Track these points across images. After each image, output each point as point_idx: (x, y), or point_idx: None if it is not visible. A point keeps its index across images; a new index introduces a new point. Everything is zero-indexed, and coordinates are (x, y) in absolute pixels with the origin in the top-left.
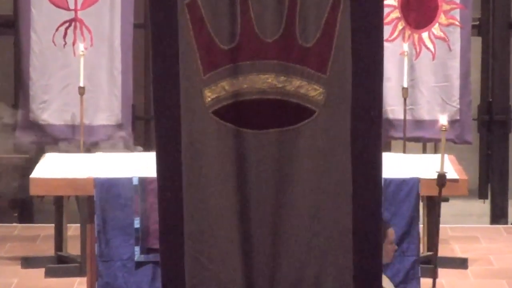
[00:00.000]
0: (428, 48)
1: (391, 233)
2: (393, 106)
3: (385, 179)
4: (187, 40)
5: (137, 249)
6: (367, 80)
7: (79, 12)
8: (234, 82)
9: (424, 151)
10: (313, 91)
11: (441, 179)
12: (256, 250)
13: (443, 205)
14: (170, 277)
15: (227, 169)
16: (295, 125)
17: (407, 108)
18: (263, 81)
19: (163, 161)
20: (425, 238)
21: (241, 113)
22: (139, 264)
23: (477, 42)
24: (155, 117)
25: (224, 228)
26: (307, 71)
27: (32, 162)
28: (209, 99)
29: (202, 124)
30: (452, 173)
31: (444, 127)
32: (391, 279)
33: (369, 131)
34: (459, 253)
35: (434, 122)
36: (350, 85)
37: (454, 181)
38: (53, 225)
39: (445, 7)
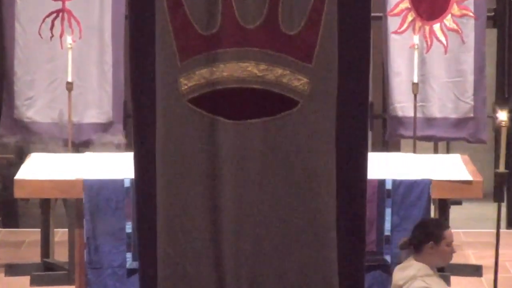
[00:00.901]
0: (440, 41)
1: (450, 234)
2: (402, 103)
3: (394, 181)
4: (163, 24)
5: (129, 255)
6: (354, 71)
7: (67, 2)
8: (213, 70)
9: (436, 150)
10: (297, 81)
11: (501, 178)
12: (231, 246)
13: (456, 208)
14: (146, 265)
15: (203, 160)
16: (277, 116)
17: (417, 105)
18: (243, 70)
19: (139, 151)
20: None
21: (220, 102)
22: (131, 272)
23: (492, 34)
24: (132, 104)
25: (197, 223)
26: (290, 60)
27: (16, 163)
28: (186, 86)
29: (177, 113)
30: (465, 174)
31: (504, 123)
32: None
33: (356, 124)
34: (473, 260)
35: (446, 119)
36: (336, 76)
37: (468, 182)
38: (39, 230)
39: None
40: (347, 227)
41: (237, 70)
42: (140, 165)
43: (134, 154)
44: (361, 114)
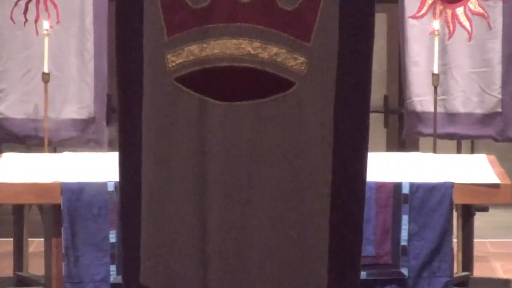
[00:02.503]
0: (463, 26)
1: None
2: (421, 97)
3: (412, 184)
4: None
5: (113, 268)
6: (356, 52)
7: None
8: (203, 47)
9: (459, 150)
10: (293, 61)
11: None
12: (218, 238)
13: (482, 215)
14: (129, 257)
15: (190, 143)
16: (270, 97)
17: (438, 98)
18: (235, 47)
19: (124, 133)
20: (460, 255)
21: (210, 81)
22: (115, 287)
23: None
24: (117, 81)
25: (182, 212)
26: (287, 37)
27: None
28: (173, 64)
29: (164, 92)
30: (492, 176)
31: None
32: None
33: (356, 109)
34: (500, 273)
35: (471, 115)
36: (336, 57)
37: (495, 186)
38: (12, 239)
39: None
40: (341, 222)
41: (229, 47)
42: (125, 149)
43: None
44: (361, 99)
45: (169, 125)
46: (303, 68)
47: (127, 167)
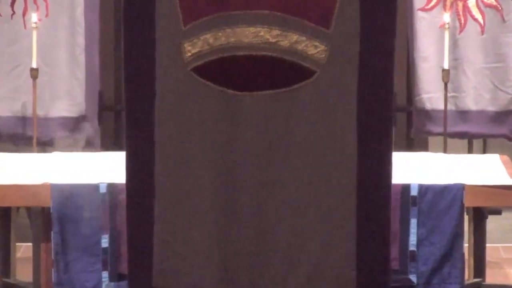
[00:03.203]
0: (475, 19)
1: None
2: (431, 93)
3: (421, 186)
4: None
5: (105, 275)
6: (378, 40)
7: None
8: (220, 35)
9: (470, 150)
10: (313, 49)
11: None
12: (238, 235)
13: (495, 219)
14: (136, 264)
15: (208, 137)
16: (291, 87)
17: (448, 95)
18: (253, 35)
19: (132, 128)
20: (471, 261)
21: (228, 71)
22: None
23: None
24: (124, 73)
25: (202, 207)
26: (306, 24)
27: None
28: (189, 54)
29: (180, 84)
30: (505, 177)
31: None
32: None
33: (379, 96)
34: None
35: (483, 113)
36: (358, 43)
37: (508, 188)
38: None
39: None
40: (368, 214)
41: (247, 35)
42: (134, 141)
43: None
44: (385, 88)
45: (185, 119)
46: (323, 56)
47: (136, 165)
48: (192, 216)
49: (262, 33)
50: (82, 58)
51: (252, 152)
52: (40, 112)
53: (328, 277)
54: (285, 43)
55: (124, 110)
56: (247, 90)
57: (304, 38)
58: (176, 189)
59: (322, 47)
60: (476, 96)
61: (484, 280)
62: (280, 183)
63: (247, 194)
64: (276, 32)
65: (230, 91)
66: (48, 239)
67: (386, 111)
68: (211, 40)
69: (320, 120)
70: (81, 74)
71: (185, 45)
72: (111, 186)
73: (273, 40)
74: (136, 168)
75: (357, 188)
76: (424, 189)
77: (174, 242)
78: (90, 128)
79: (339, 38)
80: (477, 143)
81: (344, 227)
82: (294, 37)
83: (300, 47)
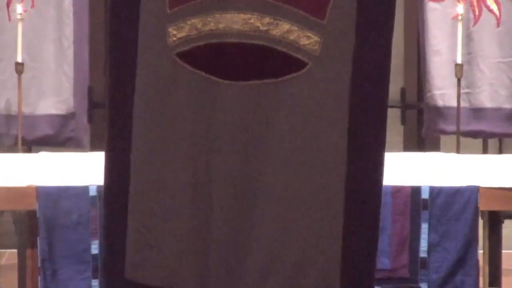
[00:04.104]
0: (490, 10)
1: None
2: (443, 90)
3: (433, 188)
4: None
5: (95, 283)
6: (374, 34)
7: None
8: (207, 20)
9: (485, 150)
10: (306, 39)
11: None
12: (216, 227)
13: (511, 223)
14: (111, 254)
15: (188, 125)
16: (280, 78)
17: (462, 92)
18: (243, 22)
19: (113, 111)
20: (486, 269)
21: (214, 58)
22: None
23: None
24: (109, 57)
25: (178, 197)
26: (299, 14)
27: None
28: (175, 38)
29: (162, 69)
30: None
31: None
32: None
33: (372, 93)
34: None
35: (499, 111)
36: (353, 37)
37: None
38: None
39: None
40: (356, 214)
41: (236, 22)
42: (113, 126)
43: (107, 116)
44: (380, 84)
45: (166, 105)
46: (316, 47)
47: (114, 153)
48: (168, 206)
49: (252, 20)
50: (70, 52)
51: (233, 143)
52: (26, 110)
53: (311, 277)
54: (276, 32)
55: None
56: (233, 79)
57: (296, 28)
58: (152, 177)
59: (316, 38)
60: (492, 92)
61: None
62: (262, 177)
63: (226, 187)
64: (267, 20)
65: (215, 79)
66: (34, 245)
67: (380, 108)
68: (199, 25)
69: (309, 115)
70: (69, 68)
71: (170, 29)
72: (102, 189)
73: (264, 28)
74: (113, 157)
75: (345, 185)
76: (435, 192)
77: (148, 233)
78: (79, 126)
79: (334, 30)
80: (492, 142)
81: (330, 223)
82: (286, 26)
83: (292, 37)
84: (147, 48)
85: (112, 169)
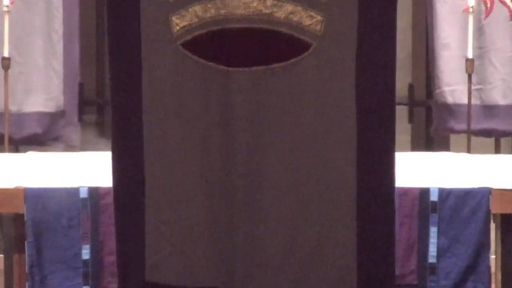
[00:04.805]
0: (503, 2)
1: None
2: (453, 86)
3: (442, 190)
4: None
5: None
6: (378, 10)
7: None
8: (209, 7)
9: (497, 149)
10: (309, 19)
11: None
12: (233, 222)
13: None
14: (127, 257)
15: (198, 116)
16: (286, 62)
17: (473, 88)
18: (245, 6)
19: (118, 106)
20: (499, 275)
21: (219, 46)
22: None
23: None
24: (109, 50)
25: (193, 192)
26: None
27: None
28: (178, 27)
29: (168, 60)
30: None
31: None
32: None
33: (379, 72)
34: None
35: None
36: (356, 14)
37: None
38: None
39: None
40: (370, 202)
41: (239, 6)
42: (119, 121)
43: (111, 110)
44: (385, 63)
45: (174, 98)
46: (319, 27)
47: (123, 150)
48: (186, 202)
49: (255, 4)
50: (60, 46)
51: (245, 132)
52: (13, 107)
53: (327, 268)
54: (280, 14)
55: (107, 104)
56: (239, 65)
57: (299, 8)
58: (168, 173)
59: (318, 17)
60: (505, 88)
61: None
62: (274, 166)
63: (241, 178)
64: (270, 2)
65: (221, 67)
66: (21, 250)
67: (387, 84)
68: (200, 12)
69: (317, 97)
70: (58, 64)
71: (173, 18)
72: (93, 190)
73: (267, 11)
74: (123, 156)
75: (357, 165)
76: (445, 194)
77: (168, 232)
78: (69, 125)
79: (336, 7)
80: (505, 142)
81: (343, 213)
82: (290, 7)
83: (295, 18)
84: (151, 40)
85: (123, 169)
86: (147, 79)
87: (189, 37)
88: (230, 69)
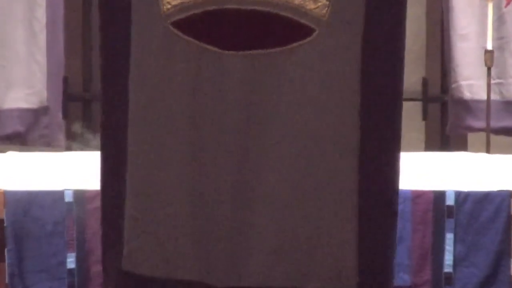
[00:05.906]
0: None
1: None
2: (471, 80)
3: (459, 193)
4: None
5: None
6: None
7: None
8: None
9: None
10: (313, 3)
11: None
12: (217, 212)
13: None
14: (109, 242)
15: (189, 101)
16: (286, 46)
17: (492, 82)
18: None
19: (108, 84)
20: None
21: (214, 27)
22: None
23: None
24: (99, 29)
25: (178, 179)
26: None
27: None
28: (169, 5)
29: (157, 39)
30: None
31: None
32: None
33: (386, 60)
34: None
35: None
36: (362, 1)
37: None
38: None
39: None
40: (370, 195)
41: None
42: (107, 101)
43: (101, 90)
44: (392, 50)
45: (163, 80)
46: (324, 12)
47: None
48: (165, 192)
49: None
50: (42, 37)
51: (237, 119)
52: None
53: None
54: None
55: (94, 100)
56: (235, 48)
57: None
58: (149, 160)
59: (323, 1)
60: None
61: None
62: (269, 156)
63: (228, 167)
64: None
65: (215, 49)
66: (1, 258)
67: (394, 76)
68: None
69: (318, 87)
70: (41, 56)
71: None
72: (79, 194)
73: None
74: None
75: (358, 161)
76: (462, 197)
77: (144, 220)
78: (52, 122)
79: None
80: None
81: (342, 206)
82: None
83: (297, 1)
84: (139, 17)
85: (111, 167)
86: (135, 62)
87: (181, 16)
88: (224, 51)
